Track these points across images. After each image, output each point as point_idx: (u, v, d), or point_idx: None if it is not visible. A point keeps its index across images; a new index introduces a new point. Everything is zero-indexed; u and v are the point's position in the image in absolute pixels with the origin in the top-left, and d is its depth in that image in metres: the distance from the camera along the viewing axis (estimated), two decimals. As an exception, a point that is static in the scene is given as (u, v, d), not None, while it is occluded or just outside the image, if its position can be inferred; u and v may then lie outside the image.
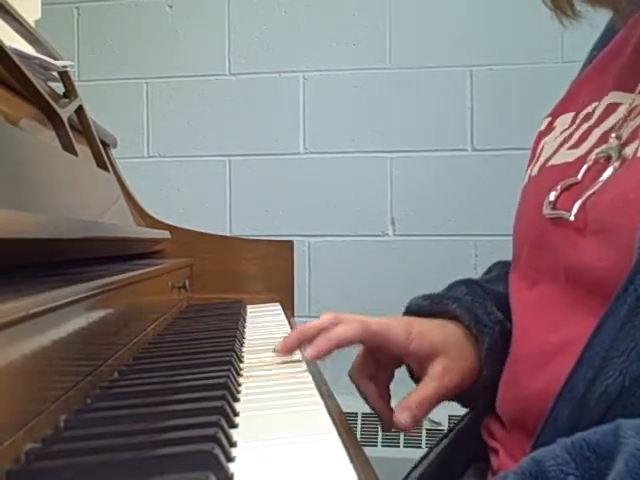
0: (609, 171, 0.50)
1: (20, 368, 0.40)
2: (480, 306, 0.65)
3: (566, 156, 0.56)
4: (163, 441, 0.39)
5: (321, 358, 0.61)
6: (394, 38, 2.00)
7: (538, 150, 0.62)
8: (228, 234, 1.97)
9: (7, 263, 0.51)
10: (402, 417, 0.59)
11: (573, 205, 0.50)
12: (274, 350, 0.65)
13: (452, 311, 0.64)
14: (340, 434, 0.42)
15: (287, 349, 0.64)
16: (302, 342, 0.64)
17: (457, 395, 0.64)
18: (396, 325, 0.63)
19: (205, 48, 2.06)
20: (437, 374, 0.61)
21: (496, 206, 1.86)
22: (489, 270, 0.76)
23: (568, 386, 0.45)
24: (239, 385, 0.57)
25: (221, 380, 0.54)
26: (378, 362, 0.66)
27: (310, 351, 0.61)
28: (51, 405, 0.44)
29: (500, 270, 0.72)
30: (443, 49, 1.98)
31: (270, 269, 1.29)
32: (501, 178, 1.90)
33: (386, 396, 0.67)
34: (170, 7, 2.07)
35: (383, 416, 0.65)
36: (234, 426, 0.45)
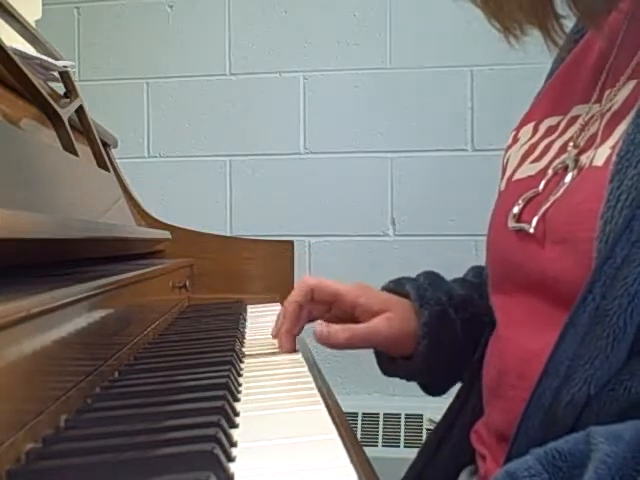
0: (567, 181, 0.50)
1: (20, 368, 0.40)
2: (430, 288, 0.71)
3: (529, 170, 0.56)
4: (164, 441, 0.39)
5: (294, 340, 0.70)
6: (394, 38, 2.00)
7: (505, 164, 0.62)
8: (228, 234, 1.97)
9: (7, 263, 0.51)
10: (319, 326, 0.67)
11: (534, 217, 0.51)
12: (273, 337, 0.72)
13: (405, 290, 0.72)
14: (340, 434, 0.42)
15: (288, 348, 0.70)
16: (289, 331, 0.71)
17: (393, 358, 0.71)
18: (349, 285, 0.73)
19: (205, 48, 2.06)
20: (376, 320, 0.68)
21: (496, 206, 1.86)
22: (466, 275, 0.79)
23: (536, 395, 0.45)
24: (239, 385, 0.57)
25: (222, 380, 0.54)
26: (320, 303, 0.73)
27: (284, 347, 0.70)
28: (52, 405, 0.44)
29: (469, 274, 0.77)
30: (443, 49, 1.98)
31: (270, 269, 1.29)
32: (501, 178, 1.90)
33: (301, 320, 0.72)
34: (170, 7, 2.07)
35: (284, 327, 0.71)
36: (234, 426, 0.45)
